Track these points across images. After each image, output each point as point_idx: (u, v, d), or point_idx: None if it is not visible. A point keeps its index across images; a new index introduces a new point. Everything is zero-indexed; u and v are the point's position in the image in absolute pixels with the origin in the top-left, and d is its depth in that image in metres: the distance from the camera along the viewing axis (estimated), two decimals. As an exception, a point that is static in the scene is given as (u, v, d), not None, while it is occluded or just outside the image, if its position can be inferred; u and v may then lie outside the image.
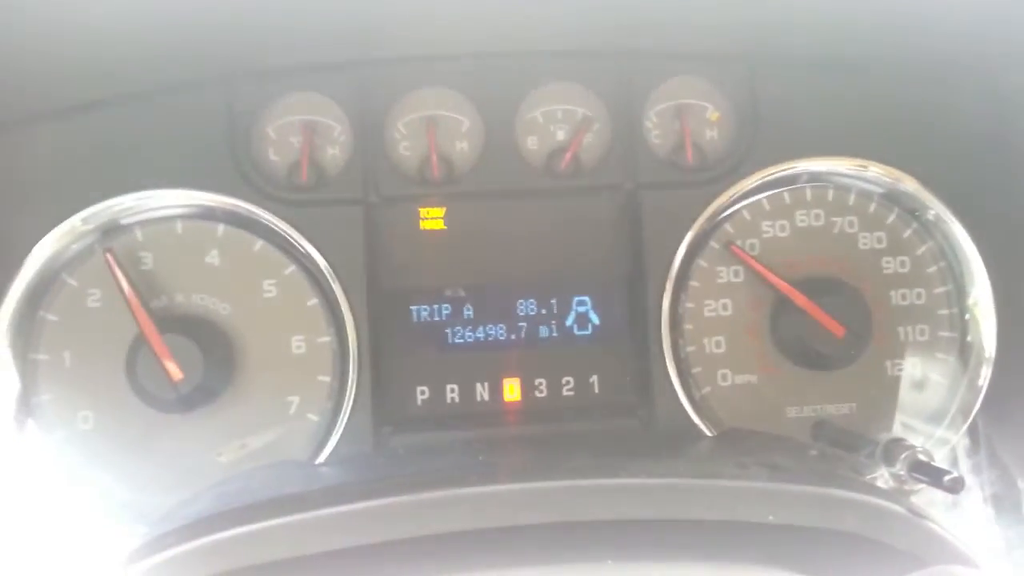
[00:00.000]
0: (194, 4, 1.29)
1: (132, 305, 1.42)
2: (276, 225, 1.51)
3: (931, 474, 1.23)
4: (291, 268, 1.53)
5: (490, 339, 1.58)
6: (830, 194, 1.61)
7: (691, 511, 1.05)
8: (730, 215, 1.59)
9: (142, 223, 1.52)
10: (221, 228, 1.53)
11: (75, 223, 1.48)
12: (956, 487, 1.16)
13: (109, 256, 1.45)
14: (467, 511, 1.04)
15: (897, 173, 1.58)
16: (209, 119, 1.53)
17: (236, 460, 1.48)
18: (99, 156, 1.51)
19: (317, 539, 1.01)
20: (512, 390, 1.57)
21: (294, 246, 1.52)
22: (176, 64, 1.47)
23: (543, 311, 1.59)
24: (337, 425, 1.49)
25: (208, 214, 1.53)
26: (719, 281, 1.58)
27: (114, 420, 1.48)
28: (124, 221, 1.51)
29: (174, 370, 1.40)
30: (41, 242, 1.47)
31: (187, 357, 1.41)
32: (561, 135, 1.61)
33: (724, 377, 1.57)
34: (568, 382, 1.58)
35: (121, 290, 1.43)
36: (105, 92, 1.50)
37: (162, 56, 1.43)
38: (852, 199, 1.61)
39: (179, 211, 1.53)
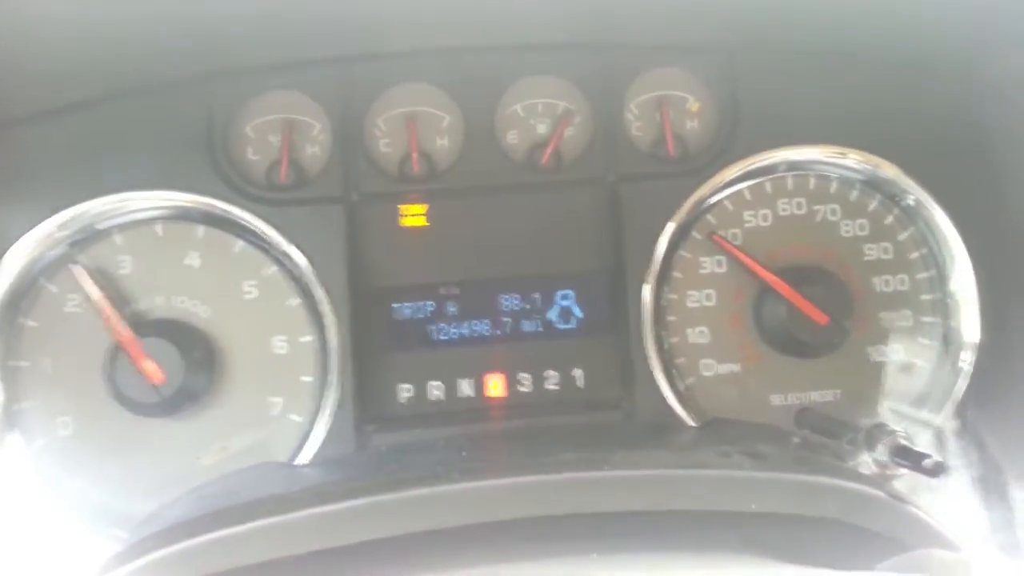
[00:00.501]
0: (169, 3, 1.28)
1: (105, 316, 1.43)
2: (256, 225, 1.51)
3: (912, 459, 1.23)
4: (272, 268, 1.52)
5: (474, 335, 1.58)
6: (811, 182, 1.61)
7: (674, 501, 1.05)
8: (712, 205, 1.59)
9: (120, 227, 1.51)
10: (201, 230, 1.52)
11: (50, 229, 1.47)
12: (937, 471, 1.16)
13: (77, 268, 1.46)
14: (450, 508, 1.04)
15: (877, 160, 1.57)
16: (186, 119, 1.52)
17: (218, 463, 1.48)
18: (74, 159, 1.50)
19: (299, 541, 1.01)
20: (496, 386, 1.57)
21: (274, 246, 1.52)
22: (152, 64, 1.46)
23: (526, 306, 1.59)
24: (320, 425, 1.48)
25: (187, 215, 1.52)
26: (702, 272, 1.58)
27: (94, 425, 1.48)
28: (101, 226, 1.51)
29: (155, 373, 1.40)
30: (15, 248, 1.46)
31: (167, 360, 1.40)
32: (542, 129, 1.61)
33: (708, 367, 1.56)
34: (552, 376, 1.58)
35: (93, 302, 1.44)
36: (79, 94, 1.48)
37: (137, 56, 1.42)
38: (833, 187, 1.61)
39: (158, 213, 1.52)
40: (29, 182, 1.49)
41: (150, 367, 1.39)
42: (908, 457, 1.24)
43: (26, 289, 1.49)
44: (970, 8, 1.38)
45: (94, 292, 1.44)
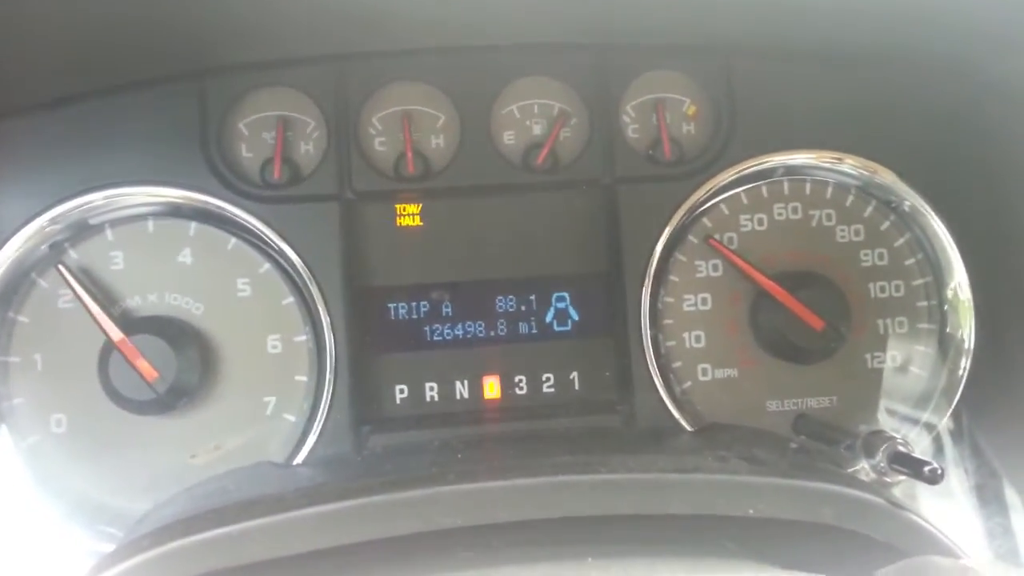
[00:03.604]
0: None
1: (94, 315, 1.41)
2: (249, 223, 1.49)
3: (911, 465, 1.23)
4: (266, 266, 1.51)
5: (469, 336, 1.57)
6: (807, 187, 1.61)
7: (671, 506, 1.05)
8: (708, 209, 1.59)
9: (112, 222, 1.50)
10: (193, 226, 1.51)
11: (42, 223, 1.45)
12: (935, 478, 1.16)
13: (62, 269, 1.44)
14: (445, 510, 1.03)
15: (874, 166, 1.58)
16: (179, 115, 1.51)
17: (211, 462, 1.47)
18: (68, 153, 1.48)
19: (293, 541, 1.00)
20: (492, 388, 1.56)
21: (268, 244, 1.51)
22: (147, 58, 1.45)
23: (522, 307, 1.58)
24: (315, 425, 1.47)
25: (180, 212, 1.51)
26: (698, 275, 1.58)
27: (88, 423, 1.47)
28: (93, 221, 1.49)
29: (148, 370, 1.38)
30: (8, 243, 1.45)
31: (160, 357, 1.39)
32: (538, 130, 1.60)
33: (704, 372, 1.56)
34: (548, 379, 1.57)
35: (81, 301, 1.42)
36: (73, 87, 1.47)
37: (132, 51, 1.41)
38: (830, 192, 1.61)
39: (150, 209, 1.51)
40: (20, 177, 1.47)
41: (143, 364, 1.38)
42: (906, 464, 1.24)
43: (17, 284, 1.47)
44: (969, 13, 1.38)
45: (81, 293, 1.42)
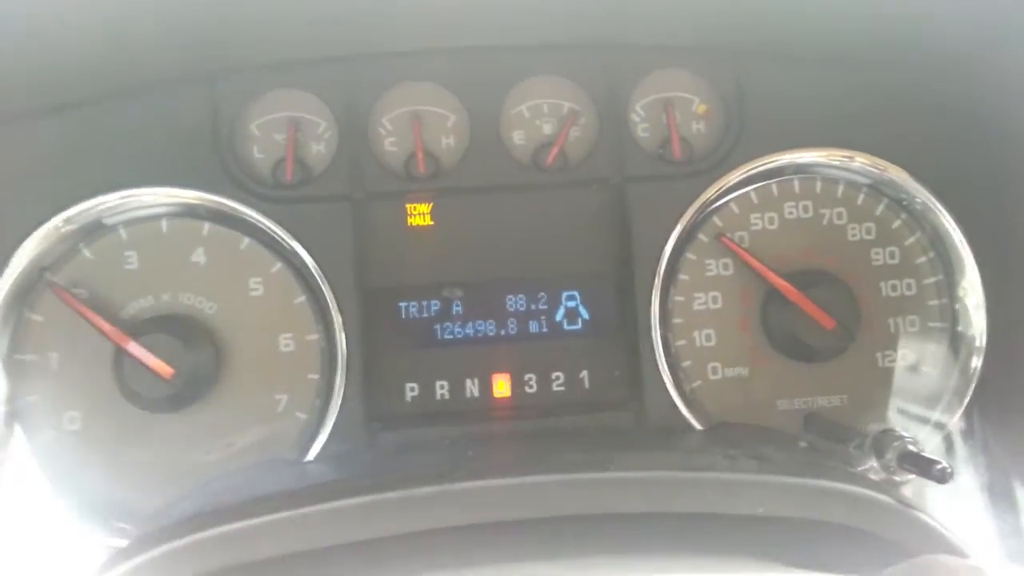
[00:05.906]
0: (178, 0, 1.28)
1: (98, 325, 1.42)
2: (262, 223, 1.51)
3: (920, 464, 1.23)
4: (277, 266, 1.52)
5: (479, 335, 1.58)
6: (818, 186, 1.60)
7: (680, 504, 1.05)
8: (718, 208, 1.58)
9: (126, 222, 1.51)
10: (206, 226, 1.52)
11: (57, 223, 1.47)
12: (944, 477, 1.16)
13: (58, 290, 1.45)
14: (456, 507, 1.04)
15: (884, 164, 1.57)
16: (193, 116, 1.52)
17: (224, 458, 1.48)
18: (82, 155, 1.50)
19: (305, 536, 1.00)
20: (502, 386, 1.57)
21: (280, 244, 1.52)
22: (159, 61, 1.46)
23: (532, 306, 1.58)
24: (326, 423, 1.48)
25: (193, 212, 1.52)
26: (708, 274, 1.58)
27: (102, 420, 1.48)
28: (108, 221, 1.51)
29: (162, 367, 1.39)
30: (25, 242, 1.46)
31: (173, 354, 1.40)
32: (547, 129, 1.61)
33: (714, 370, 1.56)
34: (558, 377, 1.57)
35: (83, 316, 1.43)
36: (88, 90, 1.48)
37: (145, 53, 1.42)
38: (840, 190, 1.60)
39: (163, 210, 1.52)
40: (36, 178, 1.49)
41: (155, 362, 1.39)
42: (916, 463, 1.23)
43: (32, 283, 1.48)
44: (972, 7, 1.37)
45: (81, 309, 1.43)
